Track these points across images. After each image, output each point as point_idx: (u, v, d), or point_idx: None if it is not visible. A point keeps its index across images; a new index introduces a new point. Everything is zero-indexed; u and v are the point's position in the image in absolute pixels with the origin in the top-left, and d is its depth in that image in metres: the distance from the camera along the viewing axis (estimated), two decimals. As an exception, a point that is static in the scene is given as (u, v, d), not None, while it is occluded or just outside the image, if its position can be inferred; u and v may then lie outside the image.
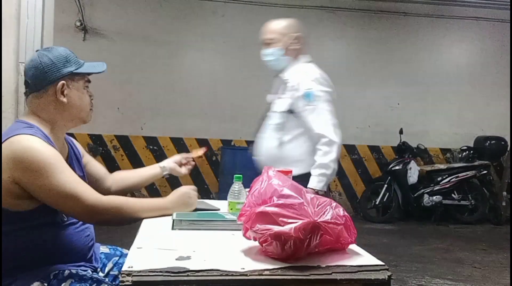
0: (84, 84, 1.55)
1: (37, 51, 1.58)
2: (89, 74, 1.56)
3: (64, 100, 1.49)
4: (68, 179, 1.38)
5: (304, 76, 2.40)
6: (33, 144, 1.37)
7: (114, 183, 1.84)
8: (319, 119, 2.34)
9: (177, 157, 2.02)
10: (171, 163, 1.98)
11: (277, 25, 2.46)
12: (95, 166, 1.79)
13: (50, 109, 1.49)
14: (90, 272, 1.51)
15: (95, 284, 1.44)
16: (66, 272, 1.42)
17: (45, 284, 1.38)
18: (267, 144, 2.47)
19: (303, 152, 2.40)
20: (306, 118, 2.35)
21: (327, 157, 2.30)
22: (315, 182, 2.29)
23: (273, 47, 2.43)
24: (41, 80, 1.47)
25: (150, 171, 1.95)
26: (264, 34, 2.46)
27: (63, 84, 1.48)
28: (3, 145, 1.38)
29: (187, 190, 1.68)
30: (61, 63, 1.48)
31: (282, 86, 2.46)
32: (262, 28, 2.49)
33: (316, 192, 2.21)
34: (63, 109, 1.50)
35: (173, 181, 5.99)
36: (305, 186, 2.22)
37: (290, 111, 2.39)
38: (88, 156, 1.77)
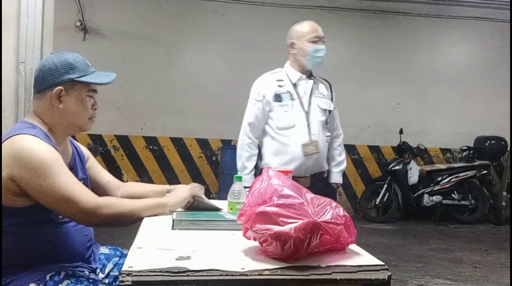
0: (87, 93, 1.52)
1: (51, 53, 1.58)
2: (97, 84, 1.55)
3: (60, 106, 1.49)
4: (65, 181, 1.38)
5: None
6: (33, 144, 1.38)
7: (126, 193, 1.80)
8: (338, 120, 2.69)
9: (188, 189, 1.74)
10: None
11: None
12: (99, 172, 1.77)
13: (48, 112, 1.50)
14: (87, 273, 1.51)
15: (91, 285, 1.43)
16: (63, 273, 1.42)
17: None
18: (322, 141, 2.54)
19: None
20: (334, 118, 2.63)
21: (343, 154, 2.72)
22: (338, 177, 2.67)
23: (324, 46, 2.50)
24: (42, 83, 1.49)
25: (157, 188, 1.86)
26: (321, 32, 2.49)
27: (60, 90, 1.47)
28: (5, 143, 1.39)
29: (184, 186, 1.71)
30: (64, 69, 1.48)
31: (319, 85, 2.57)
32: (315, 25, 2.49)
33: (338, 186, 2.68)
34: (59, 114, 1.50)
35: (172, 182, 6.00)
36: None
37: (329, 110, 2.58)
38: (93, 160, 1.76)
